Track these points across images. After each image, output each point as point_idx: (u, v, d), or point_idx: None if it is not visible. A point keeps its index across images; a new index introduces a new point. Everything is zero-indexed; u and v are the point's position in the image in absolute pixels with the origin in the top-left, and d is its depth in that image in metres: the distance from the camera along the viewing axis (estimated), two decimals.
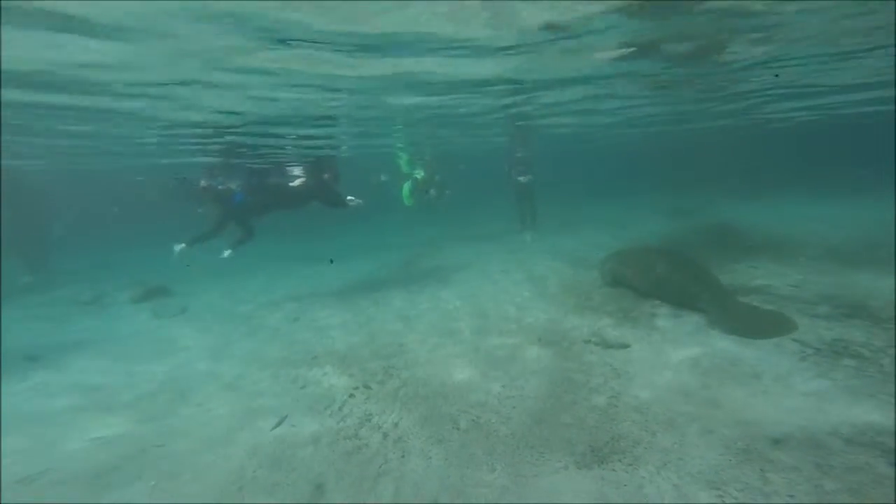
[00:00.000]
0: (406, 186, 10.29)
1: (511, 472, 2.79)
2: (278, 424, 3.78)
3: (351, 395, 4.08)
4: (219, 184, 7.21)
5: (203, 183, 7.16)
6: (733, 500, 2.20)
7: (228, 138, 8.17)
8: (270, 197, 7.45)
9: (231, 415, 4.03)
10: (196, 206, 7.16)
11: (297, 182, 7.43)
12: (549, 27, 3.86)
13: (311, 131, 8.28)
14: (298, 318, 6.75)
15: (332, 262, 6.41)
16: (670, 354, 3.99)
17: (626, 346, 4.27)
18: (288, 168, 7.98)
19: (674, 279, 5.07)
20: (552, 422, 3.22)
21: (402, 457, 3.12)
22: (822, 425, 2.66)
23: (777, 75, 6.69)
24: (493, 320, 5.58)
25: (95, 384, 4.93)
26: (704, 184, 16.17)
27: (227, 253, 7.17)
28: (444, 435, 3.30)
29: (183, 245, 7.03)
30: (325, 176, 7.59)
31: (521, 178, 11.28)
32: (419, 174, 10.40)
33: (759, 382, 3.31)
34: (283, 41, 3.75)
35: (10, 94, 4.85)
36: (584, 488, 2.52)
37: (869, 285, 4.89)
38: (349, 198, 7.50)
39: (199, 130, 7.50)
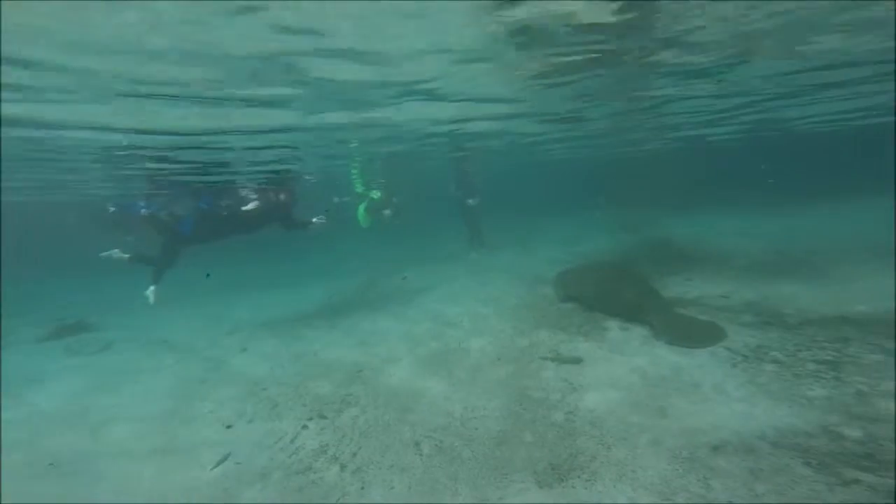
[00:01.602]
0: (361, 207, 10.14)
1: (475, 495, 2.77)
2: (220, 463, 3.48)
3: (304, 427, 3.87)
4: (162, 210, 6.57)
5: (144, 211, 6.46)
6: None
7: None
8: (222, 223, 6.74)
9: (164, 454, 3.65)
10: (124, 235, 6.44)
11: (250, 205, 6.77)
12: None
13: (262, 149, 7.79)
14: (246, 348, 6.32)
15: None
16: (620, 367, 4.22)
17: (579, 360, 4.46)
18: (240, 190, 7.43)
19: (622, 294, 5.41)
20: (514, 441, 3.26)
21: (362, 488, 3.00)
22: (752, 430, 2.93)
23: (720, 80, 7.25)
24: (452, 342, 5.58)
25: None
26: (648, 200, 17.56)
27: (150, 291, 6.37)
28: (406, 462, 3.21)
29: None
30: (282, 197, 7.03)
31: (470, 201, 11.68)
32: (375, 195, 10.31)
33: (698, 391, 3.59)
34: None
35: None
36: None
37: (783, 294, 5.52)
38: (314, 219, 7.04)
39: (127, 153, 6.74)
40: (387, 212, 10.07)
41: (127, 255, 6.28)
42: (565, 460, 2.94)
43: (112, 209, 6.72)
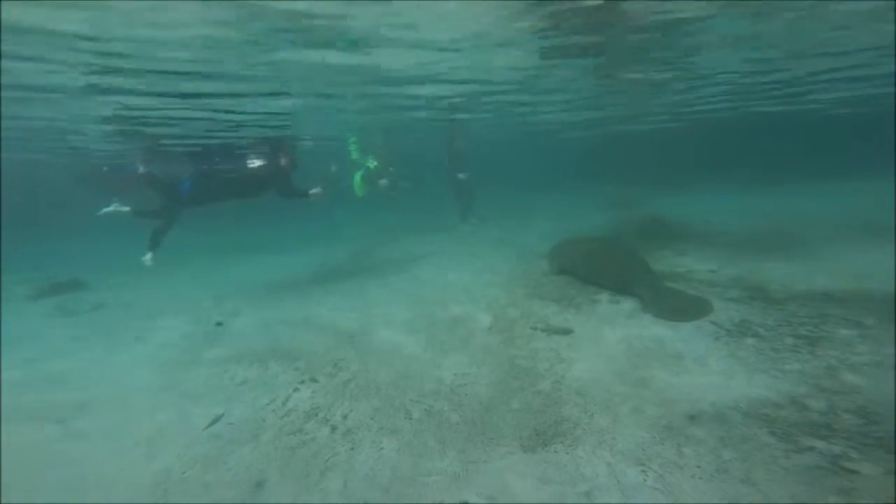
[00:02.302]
0: (357, 176, 9.91)
1: (462, 458, 2.92)
2: (213, 423, 3.59)
3: (296, 390, 3.98)
4: (160, 170, 6.34)
5: (142, 170, 6.21)
6: (655, 475, 2.50)
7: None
8: (221, 185, 6.59)
9: (155, 416, 3.76)
10: (110, 196, 6.24)
11: (250, 167, 6.60)
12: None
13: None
14: (239, 312, 6.36)
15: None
16: (608, 338, 4.34)
17: (569, 331, 4.57)
18: (240, 152, 7.16)
19: (613, 267, 5.46)
20: (501, 408, 3.40)
21: (352, 449, 3.13)
22: (727, 401, 3.08)
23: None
24: (444, 310, 5.66)
25: None
26: (639, 177, 17.42)
27: (148, 256, 6.33)
28: (396, 425, 3.34)
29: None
30: (282, 162, 6.80)
31: (460, 175, 11.61)
32: (371, 163, 10.05)
33: (681, 363, 3.72)
34: None
35: None
36: (529, 471, 2.71)
37: (770, 270, 5.62)
38: (313, 190, 6.85)
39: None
40: (383, 181, 9.88)
41: (127, 208, 6.14)
42: (549, 427, 3.08)
43: (106, 169, 6.46)
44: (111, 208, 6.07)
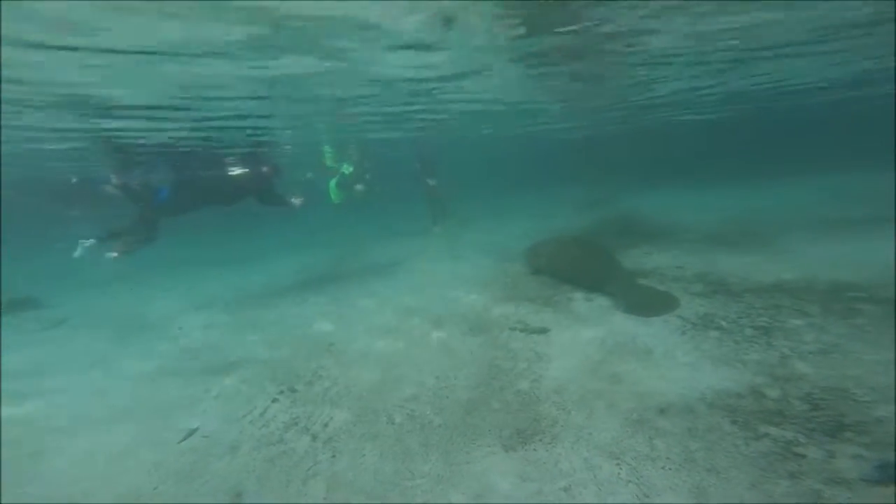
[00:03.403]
0: (333, 182, 9.78)
1: (445, 460, 2.96)
2: (187, 437, 3.49)
3: (274, 400, 3.91)
4: (135, 179, 5.95)
5: (115, 180, 5.82)
6: (629, 468, 2.62)
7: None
8: (200, 192, 6.30)
9: (126, 432, 3.60)
10: (69, 209, 5.83)
11: (232, 175, 6.35)
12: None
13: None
14: (211, 324, 6.15)
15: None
16: (583, 336, 4.49)
17: (546, 330, 4.70)
18: (221, 158, 6.84)
19: (586, 266, 5.65)
20: (482, 409, 3.46)
21: (334, 457, 3.11)
22: (694, 393, 3.27)
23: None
24: (424, 314, 5.68)
25: None
26: (611, 176, 18.03)
27: (113, 255, 5.90)
28: (378, 431, 3.35)
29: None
30: (264, 169, 6.57)
31: (430, 181, 11.83)
32: (347, 169, 9.94)
33: (651, 357, 3.91)
34: None
35: None
36: (510, 469, 2.79)
37: (730, 264, 5.97)
38: (294, 199, 6.67)
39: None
40: (359, 187, 9.80)
41: (93, 240, 5.69)
42: (529, 425, 3.17)
43: (74, 180, 6.01)
44: (80, 249, 5.61)
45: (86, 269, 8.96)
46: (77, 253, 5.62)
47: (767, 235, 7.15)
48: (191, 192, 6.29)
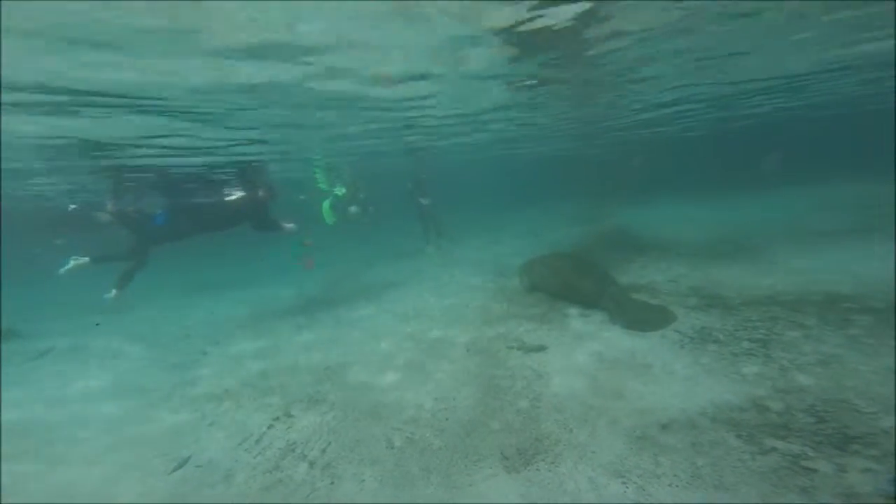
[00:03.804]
0: (326, 204, 9.80)
1: (446, 483, 2.87)
2: (179, 467, 3.34)
3: (270, 426, 3.79)
4: (130, 205, 5.90)
5: (110, 207, 5.78)
6: (635, 486, 2.56)
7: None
8: (196, 218, 6.22)
9: (113, 462, 3.45)
10: (55, 237, 5.76)
11: (228, 199, 6.28)
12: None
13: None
14: (207, 351, 6.01)
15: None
16: (581, 352, 4.46)
17: (544, 347, 4.66)
18: (216, 183, 6.80)
19: (581, 282, 5.67)
20: (482, 430, 3.38)
21: (332, 483, 3.00)
22: (695, 407, 3.24)
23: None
24: (421, 335, 5.63)
25: None
26: (605, 192, 18.37)
27: (112, 294, 5.86)
28: (377, 455, 3.25)
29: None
30: (260, 193, 6.50)
31: (423, 201, 11.96)
32: (340, 191, 10.01)
33: (650, 372, 3.88)
34: None
35: None
36: (513, 490, 2.70)
37: (724, 277, 6.04)
38: (287, 224, 6.63)
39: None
40: (353, 208, 9.83)
41: (87, 258, 5.60)
42: (531, 445, 3.10)
43: (73, 207, 5.94)
44: (70, 265, 5.52)
45: (75, 297, 8.77)
46: (63, 269, 5.50)
47: (759, 247, 7.27)
48: (186, 218, 6.22)
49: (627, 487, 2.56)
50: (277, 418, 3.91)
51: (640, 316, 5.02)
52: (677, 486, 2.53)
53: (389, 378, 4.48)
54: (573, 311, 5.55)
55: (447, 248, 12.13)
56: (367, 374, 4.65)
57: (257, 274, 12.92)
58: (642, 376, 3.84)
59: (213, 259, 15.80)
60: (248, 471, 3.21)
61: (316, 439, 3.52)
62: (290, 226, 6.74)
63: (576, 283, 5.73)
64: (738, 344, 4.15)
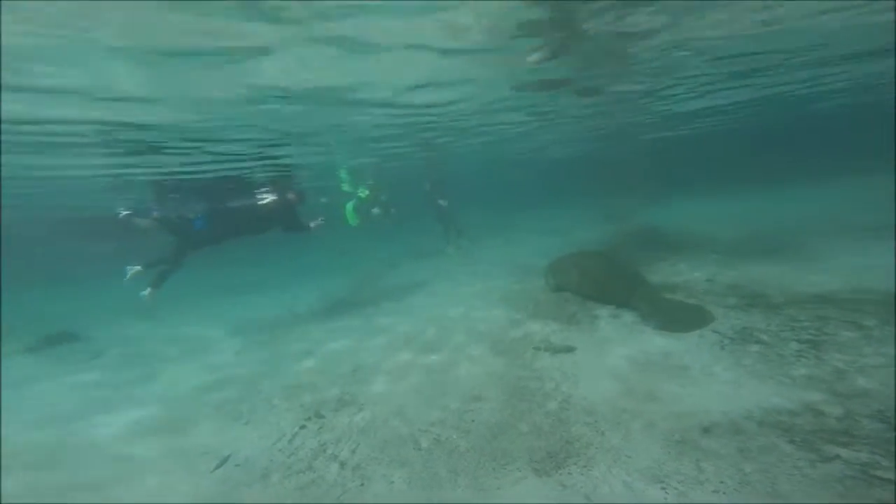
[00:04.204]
0: (349, 206, 9.97)
1: (474, 486, 2.81)
2: (220, 465, 3.45)
3: (302, 427, 3.85)
4: (173, 211, 6.26)
5: (155, 214, 6.17)
6: (676, 492, 2.41)
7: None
8: (233, 222, 6.55)
9: (163, 459, 3.59)
10: (103, 243, 6.16)
11: (262, 203, 6.59)
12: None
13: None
14: (241, 350, 6.22)
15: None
16: (612, 354, 4.29)
17: (572, 349, 4.52)
18: (250, 188, 7.12)
19: (611, 282, 5.48)
20: (510, 432, 3.30)
21: (362, 485, 3.01)
22: (739, 410, 3.03)
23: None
24: (446, 335, 5.59)
25: None
26: (631, 189, 17.80)
27: (148, 291, 6.14)
28: (405, 457, 3.23)
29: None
30: (290, 196, 6.79)
31: (441, 202, 11.89)
32: (363, 193, 10.16)
33: (687, 374, 3.68)
34: None
35: None
36: (544, 494, 2.61)
37: (764, 275, 5.68)
38: (314, 223, 6.87)
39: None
40: (375, 210, 9.96)
41: (139, 267, 6.03)
42: (561, 448, 2.99)
43: (123, 213, 6.36)
44: (129, 274, 5.95)
45: (119, 300, 9.29)
46: (127, 277, 5.93)
47: (798, 244, 6.81)
48: (224, 222, 6.53)
49: (667, 493, 2.42)
50: (309, 418, 3.97)
51: (675, 316, 4.79)
52: (723, 492, 2.36)
53: (415, 379, 4.47)
54: (602, 311, 5.37)
55: (468, 248, 12.05)
56: (393, 375, 4.65)
57: (282, 276, 13.27)
58: (678, 378, 3.65)
59: (241, 261, 16.31)
60: (282, 470, 3.27)
61: (346, 440, 3.55)
62: (316, 222, 6.92)
63: (604, 282, 5.55)
64: (785, 345, 3.87)
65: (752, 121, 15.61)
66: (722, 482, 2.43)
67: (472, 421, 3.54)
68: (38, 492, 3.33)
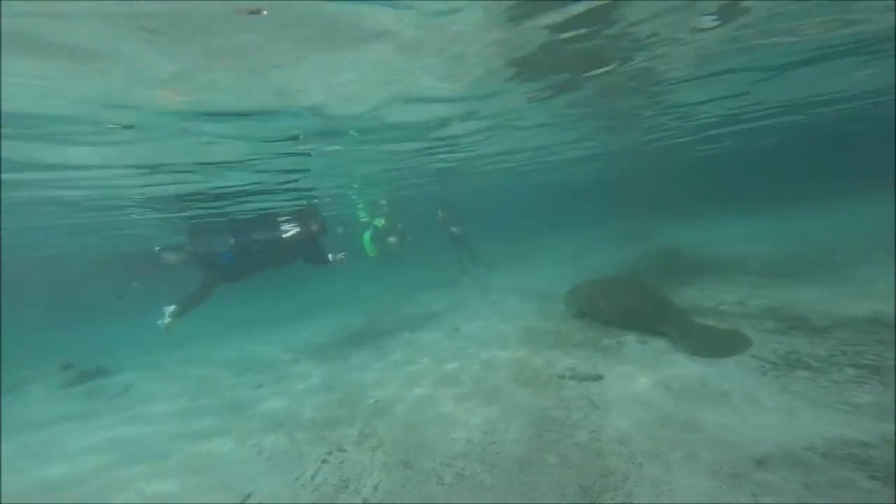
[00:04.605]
0: (367, 236, 10.05)
1: None
2: (243, 503, 3.28)
3: (324, 461, 3.66)
4: (202, 245, 6.49)
5: (189, 248, 6.40)
6: None
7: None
8: (259, 255, 6.69)
9: (181, 497, 3.44)
10: (131, 279, 6.39)
11: (286, 235, 6.76)
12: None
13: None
14: (262, 384, 6.13)
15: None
16: (642, 381, 4.01)
17: (599, 377, 4.26)
18: (275, 221, 7.34)
19: (636, 307, 5.25)
20: (538, 464, 3.05)
21: None
22: (797, 441, 2.72)
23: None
24: (467, 366, 5.38)
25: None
26: (649, 210, 17.47)
27: (167, 322, 6.08)
28: (428, 492, 3.01)
29: (169, 319, 6.05)
30: (314, 227, 6.93)
31: (454, 229, 11.82)
32: (379, 222, 10.26)
33: (729, 402, 3.38)
34: None
35: None
36: None
37: (804, 297, 5.33)
38: (337, 256, 6.94)
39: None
40: (392, 239, 9.99)
41: (172, 307, 6.07)
42: (595, 481, 2.72)
43: (158, 249, 6.59)
44: (166, 319, 5.98)
45: (145, 335, 9.42)
46: (162, 321, 5.92)
47: (841, 265, 6.43)
48: (251, 256, 6.66)
49: None
50: (330, 452, 3.79)
51: (708, 341, 4.50)
52: None
53: (437, 410, 4.25)
54: (628, 337, 5.09)
55: (484, 276, 11.83)
56: (414, 406, 4.45)
57: (298, 308, 13.25)
58: (719, 406, 3.35)
59: (251, 296, 16.41)
60: None
61: (368, 475, 3.35)
62: (339, 256, 6.96)
63: (629, 307, 5.32)
64: (840, 370, 3.54)
65: (778, 137, 15.31)
66: None
67: (497, 454, 3.30)
68: None
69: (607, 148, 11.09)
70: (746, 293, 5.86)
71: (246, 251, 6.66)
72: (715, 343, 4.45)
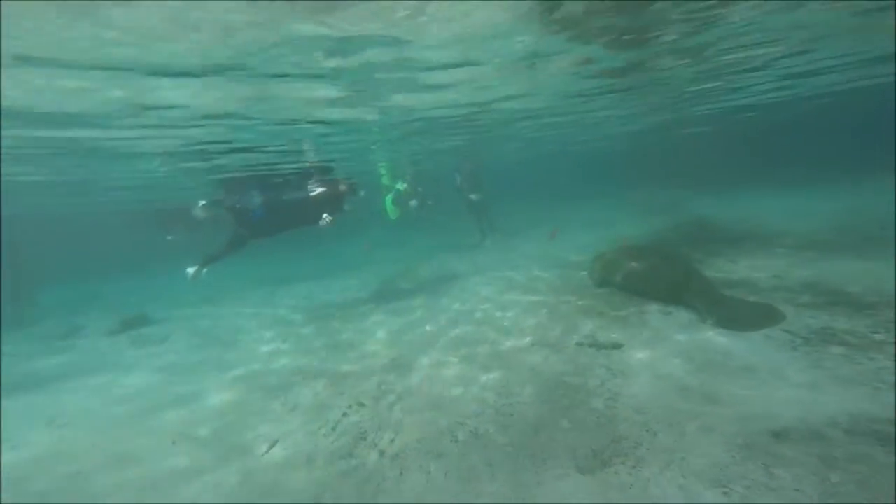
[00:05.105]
0: (388, 199, 10.06)
1: (512, 481, 2.70)
2: (269, 449, 3.61)
3: (344, 414, 3.93)
4: (237, 201, 6.72)
5: (226, 204, 6.66)
6: (739, 498, 2.15)
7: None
8: (287, 213, 6.86)
9: (218, 442, 3.82)
10: (165, 233, 6.71)
11: (314, 194, 6.85)
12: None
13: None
14: (287, 339, 6.53)
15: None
16: (664, 352, 3.97)
17: (619, 346, 4.24)
18: (304, 180, 7.42)
19: (661, 276, 5.10)
20: (551, 427, 3.15)
21: (400, 474, 3.00)
22: (820, 416, 2.66)
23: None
24: (486, 330, 5.48)
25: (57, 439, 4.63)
26: (678, 181, 16.54)
27: (194, 269, 6.46)
28: (442, 448, 3.18)
29: (195, 268, 6.46)
30: (342, 187, 6.96)
31: (473, 196, 11.42)
32: (401, 186, 10.21)
33: (753, 375, 3.31)
34: None
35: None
36: (588, 492, 2.44)
37: (846, 272, 5.01)
38: (322, 221, 6.85)
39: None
40: (413, 202, 9.98)
41: (196, 266, 6.47)
42: (607, 446, 2.79)
43: (203, 203, 6.81)
44: (192, 273, 6.42)
45: (181, 288, 10.05)
46: (191, 268, 6.39)
47: (886, 238, 5.94)
48: (280, 213, 6.84)
49: (729, 497, 2.16)
50: (350, 406, 4.05)
51: (736, 313, 4.35)
52: (802, 501, 2.06)
53: (453, 370, 4.41)
54: (652, 307, 5.00)
55: (504, 242, 11.68)
56: (431, 366, 4.64)
57: (323, 268, 13.67)
58: (742, 379, 3.29)
59: (277, 255, 16.97)
60: (326, 456, 3.34)
61: (385, 429, 3.57)
62: (325, 221, 6.79)
63: (654, 277, 5.18)
64: (878, 348, 3.36)
65: (811, 111, 13.87)
66: (798, 490, 2.13)
67: (511, 415, 3.43)
68: None
69: (650, 110, 10.32)
70: (782, 267, 5.56)
71: (274, 208, 6.85)
72: (744, 316, 4.31)
